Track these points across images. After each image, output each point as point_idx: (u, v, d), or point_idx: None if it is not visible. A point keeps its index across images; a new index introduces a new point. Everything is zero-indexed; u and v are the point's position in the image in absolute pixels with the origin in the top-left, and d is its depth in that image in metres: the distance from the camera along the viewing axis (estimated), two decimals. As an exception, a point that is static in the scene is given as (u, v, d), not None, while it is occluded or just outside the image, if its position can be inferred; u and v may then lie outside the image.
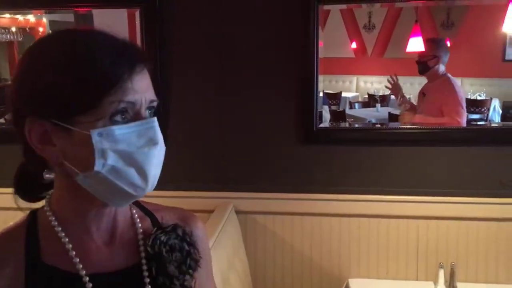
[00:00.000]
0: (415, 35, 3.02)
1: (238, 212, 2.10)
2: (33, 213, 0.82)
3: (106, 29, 0.77)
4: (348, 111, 5.06)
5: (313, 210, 2.10)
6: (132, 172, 0.73)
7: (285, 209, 2.11)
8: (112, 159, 0.72)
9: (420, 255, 2.09)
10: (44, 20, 3.93)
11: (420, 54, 2.83)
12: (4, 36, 4.72)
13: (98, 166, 0.71)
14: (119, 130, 0.72)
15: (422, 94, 2.83)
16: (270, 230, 2.13)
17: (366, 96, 5.88)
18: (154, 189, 2.14)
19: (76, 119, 0.71)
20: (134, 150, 0.73)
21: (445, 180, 2.08)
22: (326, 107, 4.27)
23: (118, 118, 0.72)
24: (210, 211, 2.01)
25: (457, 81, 2.75)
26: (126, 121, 0.73)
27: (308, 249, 2.12)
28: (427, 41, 2.96)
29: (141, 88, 0.74)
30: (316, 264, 2.13)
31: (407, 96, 3.19)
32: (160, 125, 2.18)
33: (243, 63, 2.09)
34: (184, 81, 2.11)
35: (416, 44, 2.94)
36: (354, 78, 6.51)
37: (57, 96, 0.71)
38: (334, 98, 5.63)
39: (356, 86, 6.52)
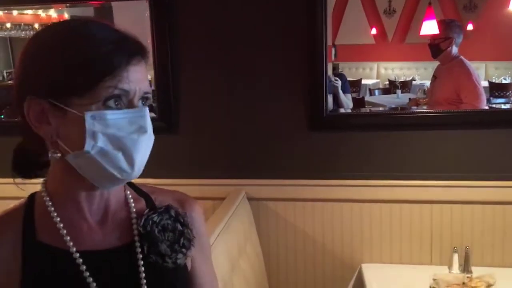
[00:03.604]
0: (429, 18, 2.96)
1: (250, 199, 2.12)
2: (31, 196, 0.86)
3: (108, 22, 0.81)
4: (367, 98, 5.01)
5: (325, 196, 2.10)
6: (119, 156, 0.77)
7: (297, 195, 2.12)
8: (101, 142, 0.75)
9: (434, 239, 2.07)
10: (66, 15, 4.01)
11: (433, 36, 2.77)
12: (27, 32, 4.84)
13: (87, 147, 0.75)
14: (112, 115, 0.75)
15: (434, 77, 2.78)
16: (282, 216, 2.14)
17: (387, 82, 5.80)
18: (167, 177, 2.15)
19: (72, 100, 0.75)
20: (124, 135, 0.76)
21: (460, 163, 2.05)
22: (349, 95, 4.24)
23: (112, 103, 0.76)
24: (222, 199, 2.03)
25: (470, 63, 2.68)
26: (119, 107, 0.76)
27: (320, 235, 2.13)
28: (439, 23, 2.89)
29: (137, 79, 0.77)
30: (328, 250, 2.13)
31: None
32: (171, 115, 2.22)
33: (252, 51, 2.09)
34: (194, 70, 2.13)
35: (430, 27, 2.88)
36: (375, 65, 6.43)
37: (55, 78, 0.75)
38: (354, 85, 5.59)
39: (377, 73, 6.44)
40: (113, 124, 0.75)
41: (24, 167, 0.87)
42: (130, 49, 0.78)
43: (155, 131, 0.82)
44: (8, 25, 3.73)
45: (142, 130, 0.78)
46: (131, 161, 0.77)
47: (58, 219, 0.82)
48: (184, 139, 2.15)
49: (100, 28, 0.79)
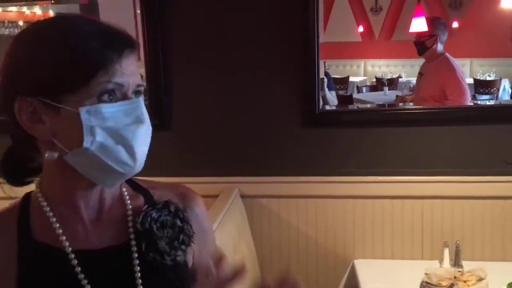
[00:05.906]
0: (418, 15, 2.99)
1: (243, 196, 2.12)
2: (27, 195, 0.85)
3: (94, 17, 0.81)
4: (355, 95, 5.03)
5: (318, 193, 2.12)
6: (120, 150, 0.75)
7: (290, 192, 2.13)
8: (100, 136, 0.74)
9: (425, 234, 2.10)
10: (51, 12, 3.96)
11: (418, 34, 2.80)
12: (12, 30, 4.75)
13: (86, 143, 0.74)
14: (107, 109, 0.74)
15: (419, 74, 2.81)
16: (275, 213, 2.15)
17: (374, 80, 5.84)
18: (159, 175, 2.13)
19: (64, 97, 0.73)
20: (122, 127, 0.75)
21: (449, 159, 2.08)
22: (333, 92, 4.26)
23: (106, 98, 0.74)
24: (215, 196, 2.03)
25: (456, 60, 2.72)
26: (113, 102, 0.75)
27: (313, 231, 2.14)
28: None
29: (129, 72, 0.76)
30: (321, 246, 2.15)
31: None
32: (163, 111, 2.19)
33: (245, 48, 2.09)
34: (186, 65, 2.12)
35: (419, 24, 2.91)
36: (362, 62, 6.47)
37: (45, 76, 0.74)
38: (341, 82, 5.61)
39: (364, 70, 6.48)
40: (110, 117, 0.74)
41: (14, 173, 0.84)
42: (121, 42, 0.76)
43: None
44: (-8, 22, 3.67)
45: (139, 120, 0.76)
46: (132, 153, 0.76)
47: (54, 219, 0.81)
48: (177, 136, 2.14)
49: (87, 22, 0.78)
